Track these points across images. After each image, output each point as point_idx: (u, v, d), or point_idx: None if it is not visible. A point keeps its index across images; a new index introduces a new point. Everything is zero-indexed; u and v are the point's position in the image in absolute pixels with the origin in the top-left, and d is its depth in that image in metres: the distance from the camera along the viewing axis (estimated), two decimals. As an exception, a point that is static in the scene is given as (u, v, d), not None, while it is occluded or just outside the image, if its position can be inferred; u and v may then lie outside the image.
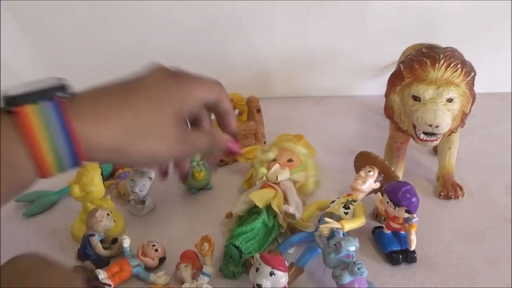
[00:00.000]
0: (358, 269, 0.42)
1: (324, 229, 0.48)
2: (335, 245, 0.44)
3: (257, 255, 0.45)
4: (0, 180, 0.32)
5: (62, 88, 0.35)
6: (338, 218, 0.50)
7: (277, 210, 0.52)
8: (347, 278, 0.43)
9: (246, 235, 0.50)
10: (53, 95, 0.34)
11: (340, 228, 0.48)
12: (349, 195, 0.53)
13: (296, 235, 0.53)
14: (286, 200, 0.54)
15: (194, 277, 0.48)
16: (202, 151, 0.44)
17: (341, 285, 0.43)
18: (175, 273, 0.49)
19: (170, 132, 0.39)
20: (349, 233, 0.49)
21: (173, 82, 0.40)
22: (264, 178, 0.57)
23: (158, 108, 0.39)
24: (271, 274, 0.43)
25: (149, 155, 0.38)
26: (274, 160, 0.59)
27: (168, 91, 0.40)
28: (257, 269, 0.43)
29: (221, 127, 0.46)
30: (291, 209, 0.52)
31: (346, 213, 0.51)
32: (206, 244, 0.48)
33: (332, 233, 0.47)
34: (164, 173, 0.47)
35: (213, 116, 0.47)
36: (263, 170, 0.57)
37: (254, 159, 0.61)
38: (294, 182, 0.57)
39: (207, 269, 0.48)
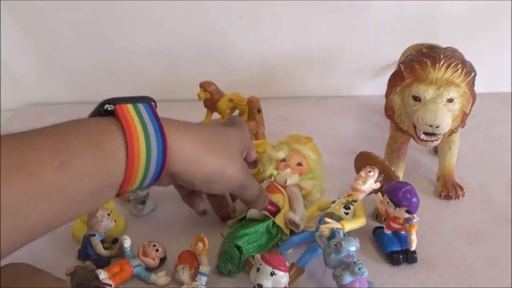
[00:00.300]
0: (359, 269, 0.42)
1: (325, 229, 0.48)
2: (335, 245, 0.44)
3: (258, 255, 0.45)
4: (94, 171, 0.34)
5: (148, 99, 0.40)
6: (339, 219, 0.50)
7: (281, 226, 0.52)
8: (347, 278, 0.43)
9: (249, 236, 0.50)
10: (144, 101, 0.39)
11: (341, 229, 0.48)
12: (349, 195, 0.53)
13: (297, 235, 0.52)
14: (291, 207, 0.54)
15: (193, 277, 0.48)
16: (249, 198, 0.49)
17: (342, 285, 0.43)
18: (173, 274, 0.49)
19: (239, 159, 0.46)
20: (349, 234, 0.49)
21: (231, 126, 0.48)
22: (272, 178, 0.56)
23: (228, 138, 0.45)
24: (272, 274, 0.43)
25: (222, 171, 0.43)
26: (284, 160, 0.58)
27: (230, 130, 0.47)
28: (258, 269, 0.43)
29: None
30: (297, 219, 0.51)
31: (346, 214, 0.51)
32: (200, 244, 0.48)
33: (333, 233, 0.47)
34: (203, 212, 0.53)
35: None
36: (272, 170, 0.57)
37: (262, 154, 0.59)
38: (300, 189, 0.57)
39: (204, 268, 0.48)
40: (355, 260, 0.43)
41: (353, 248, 0.44)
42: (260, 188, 0.50)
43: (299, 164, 0.58)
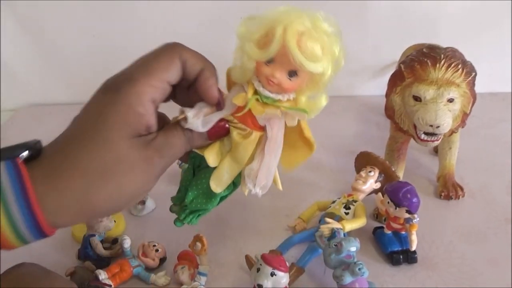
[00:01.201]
0: (359, 269, 0.42)
1: (325, 229, 0.48)
2: (336, 245, 0.44)
3: (258, 255, 0.45)
4: None
5: (26, 146, 0.31)
6: (339, 219, 0.50)
7: (202, 153, 0.36)
8: (348, 279, 0.43)
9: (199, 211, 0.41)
10: (15, 154, 0.30)
11: (341, 229, 0.48)
12: (349, 195, 0.53)
13: (297, 235, 0.52)
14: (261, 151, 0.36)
15: (193, 277, 0.48)
16: (183, 152, 0.36)
17: (342, 285, 0.43)
18: (173, 275, 0.49)
19: (134, 157, 0.32)
20: (349, 234, 0.49)
21: (106, 99, 0.33)
22: (248, 97, 0.35)
23: (106, 139, 0.32)
24: (272, 274, 0.43)
25: (122, 196, 0.32)
26: (271, 61, 0.33)
27: (105, 116, 0.32)
28: (258, 270, 0.43)
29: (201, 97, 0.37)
30: (255, 189, 0.35)
31: (346, 214, 0.51)
32: (198, 244, 0.48)
33: (333, 233, 0.47)
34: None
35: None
36: (249, 93, 0.35)
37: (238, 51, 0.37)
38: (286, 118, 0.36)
39: (203, 268, 0.48)
40: (355, 260, 0.43)
41: (353, 248, 0.44)
42: (182, 134, 0.36)
43: (292, 74, 0.34)
